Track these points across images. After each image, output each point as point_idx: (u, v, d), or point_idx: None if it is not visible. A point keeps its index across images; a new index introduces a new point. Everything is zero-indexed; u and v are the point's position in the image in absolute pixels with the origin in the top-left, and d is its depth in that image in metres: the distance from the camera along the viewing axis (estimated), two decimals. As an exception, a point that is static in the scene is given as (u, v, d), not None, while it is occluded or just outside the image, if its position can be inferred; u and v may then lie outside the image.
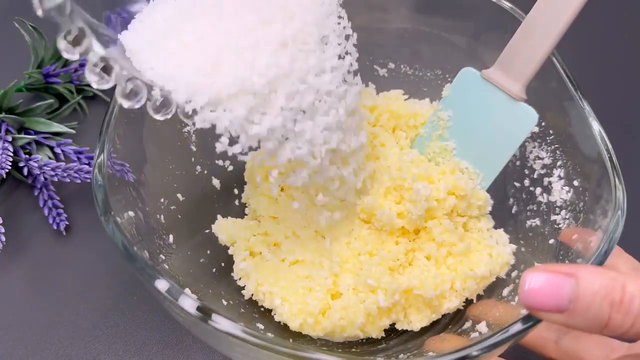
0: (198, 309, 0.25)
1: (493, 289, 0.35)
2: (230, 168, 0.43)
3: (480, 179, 0.37)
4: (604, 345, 0.30)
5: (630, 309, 0.23)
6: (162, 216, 0.35)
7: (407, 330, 0.35)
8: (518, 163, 0.38)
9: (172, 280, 0.26)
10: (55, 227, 0.43)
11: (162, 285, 0.26)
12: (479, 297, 0.35)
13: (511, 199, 0.38)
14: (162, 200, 0.36)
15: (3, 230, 0.41)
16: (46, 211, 0.43)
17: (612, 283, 0.23)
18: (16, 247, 0.43)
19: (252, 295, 0.36)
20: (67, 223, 0.43)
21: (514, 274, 0.34)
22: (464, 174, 0.36)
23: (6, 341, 0.39)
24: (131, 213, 0.31)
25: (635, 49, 0.56)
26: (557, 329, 0.32)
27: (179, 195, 0.38)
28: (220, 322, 0.24)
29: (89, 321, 0.40)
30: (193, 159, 0.40)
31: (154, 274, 0.26)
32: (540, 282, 0.24)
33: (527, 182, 0.37)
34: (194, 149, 0.40)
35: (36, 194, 0.44)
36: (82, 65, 0.49)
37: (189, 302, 0.25)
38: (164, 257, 0.33)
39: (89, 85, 0.50)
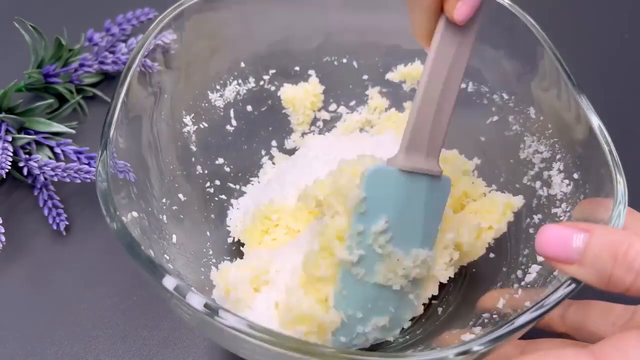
0: (206, 305, 0.25)
1: (502, 280, 0.35)
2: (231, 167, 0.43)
3: (428, 256, 0.32)
4: (607, 312, 0.30)
5: (632, 265, 0.24)
6: (164, 216, 0.35)
7: (410, 327, 0.35)
8: (516, 160, 0.38)
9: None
10: (55, 227, 0.43)
11: (169, 282, 0.26)
12: (485, 290, 0.35)
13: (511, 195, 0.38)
14: (164, 200, 0.36)
15: (3, 230, 0.41)
16: (46, 211, 0.43)
17: (621, 239, 0.25)
18: (16, 247, 0.43)
19: None
20: (67, 223, 0.43)
21: (519, 273, 0.34)
22: (423, 265, 0.31)
23: (6, 341, 0.39)
24: (135, 213, 0.31)
25: (635, 49, 0.56)
26: (561, 304, 0.32)
27: (180, 196, 0.38)
28: (228, 318, 0.24)
29: (89, 321, 0.39)
30: (193, 159, 0.40)
31: (161, 272, 0.26)
32: (555, 233, 0.26)
33: (526, 177, 0.37)
34: (194, 149, 0.40)
35: (36, 193, 0.44)
36: (82, 65, 0.49)
37: (196, 299, 0.25)
38: (168, 257, 0.33)
39: (88, 85, 0.50)
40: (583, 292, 0.28)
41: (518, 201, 0.36)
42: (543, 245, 0.27)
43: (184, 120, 0.40)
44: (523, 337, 0.29)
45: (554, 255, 0.26)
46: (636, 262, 0.24)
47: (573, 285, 0.27)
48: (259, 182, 0.43)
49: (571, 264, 0.26)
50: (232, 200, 0.42)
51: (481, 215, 0.35)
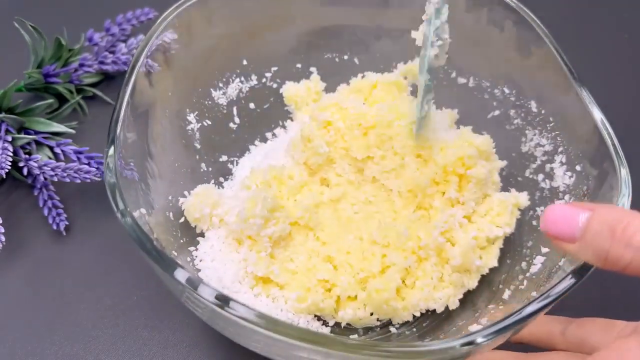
0: (217, 297, 0.25)
1: (506, 272, 0.35)
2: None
3: None
4: (609, 328, 0.30)
5: (630, 242, 0.24)
6: (170, 213, 0.35)
7: (414, 321, 0.35)
8: (518, 153, 0.38)
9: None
10: (55, 227, 0.42)
11: (181, 275, 0.26)
12: (489, 281, 0.35)
13: (513, 189, 0.38)
14: (169, 197, 0.36)
15: (3, 230, 0.40)
16: (46, 211, 0.43)
17: (621, 216, 0.24)
18: (16, 247, 0.42)
19: None
20: (67, 223, 0.43)
21: (523, 264, 0.34)
22: None
23: (6, 341, 0.38)
24: (143, 210, 0.31)
25: (636, 49, 0.57)
26: (562, 320, 0.32)
27: (185, 193, 0.38)
28: (238, 309, 0.25)
29: (89, 321, 0.39)
30: (197, 156, 0.40)
31: (173, 266, 0.27)
32: (560, 212, 0.26)
33: (528, 171, 0.38)
34: (197, 146, 0.40)
35: (36, 193, 0.44)
36: (81, 65, 0.49)
37: (207, 291, 0.25)
38: (176, 254, 0.33)
39: (88, 85, 0.50)
40: (584, 309, 0.29)
41: (524, 198, 0.36)
42: (548, 224, 0.26)
43: (188, 118, 0.40)
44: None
45: (558, 233, 0.26)
46: (635, 238, 0.24)
47: (578, 276, 0.27)
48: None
49: (573, 242, 0.26)
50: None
51: (492, 218, 0.35)
